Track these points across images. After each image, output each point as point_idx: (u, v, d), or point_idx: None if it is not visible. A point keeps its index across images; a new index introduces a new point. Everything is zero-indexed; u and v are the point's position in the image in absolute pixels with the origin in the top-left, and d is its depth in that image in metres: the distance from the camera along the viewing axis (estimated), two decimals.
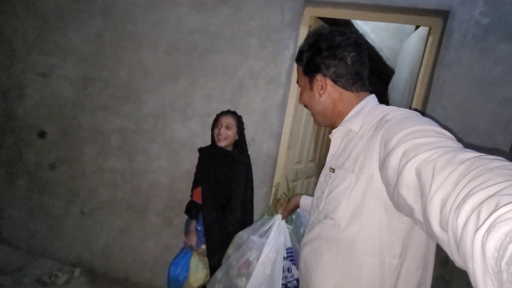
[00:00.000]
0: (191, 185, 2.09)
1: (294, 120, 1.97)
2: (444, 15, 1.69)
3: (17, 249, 2.49)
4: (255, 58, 1.93)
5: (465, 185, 0.42)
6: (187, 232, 1.77)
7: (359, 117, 0.82)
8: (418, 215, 0.53)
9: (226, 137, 1.71)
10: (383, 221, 0.72)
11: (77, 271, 2.35)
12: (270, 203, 1.51)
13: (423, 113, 0.71)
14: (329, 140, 2.67)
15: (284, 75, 1.90)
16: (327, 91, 0.86)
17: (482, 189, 0.39)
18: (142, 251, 2.30)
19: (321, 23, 1.98)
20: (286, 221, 1.26)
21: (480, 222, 0.36)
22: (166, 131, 2.14)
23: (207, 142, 2.05)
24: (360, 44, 0.85)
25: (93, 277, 2.33)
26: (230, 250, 1.37)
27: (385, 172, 0.64)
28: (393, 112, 0.74)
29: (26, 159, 2.42)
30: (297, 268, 1.18)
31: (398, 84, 4.07)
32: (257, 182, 1.98)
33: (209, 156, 1.76)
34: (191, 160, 2.10)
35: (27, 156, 2.41)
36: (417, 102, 1.81)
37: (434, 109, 1.73)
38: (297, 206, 1.24)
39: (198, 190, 1.74)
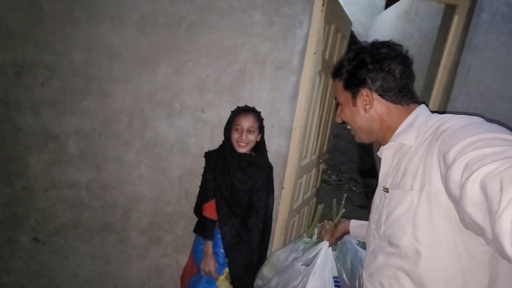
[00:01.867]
0: (183, 195, 1.74)
1: (305, 112, 1.69)
2: None
3: None
4: (260, 37, 1.55)
5: None
6: (197, 255, 1.45)
7: (412, 130, 0.75)
8: (490, 234, 0.48)
9: (248, 142, 1.41)
10: (459, 244, 0.63)
11: None
12: (312, 224, 1.34)
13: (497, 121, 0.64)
14: (325, 130, 2.39)
15: (296, 59, 1.58)
16: (374, 106, 0.80)
17: None
18: (125, 277, 1.90)
19: None
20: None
21: None
22: (147, 131, 1.68)
23: (202, 143, 1.68)
24: (407, 56, 0.80)
25: None
26: (266, 271, 1.33)
27: (449, 189, 0.58)
28: (450, 120, 0.67)
29: None
30: None
31: None
32: None
33: (223, 162, 1.43)
34: (183, 166, 1.71)
35: None
36: (437, 90, 1.67)
37: (457, 97, 1.61)
38: (346, 233, 1.17)
39: (211, 203, 1.41)
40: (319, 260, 1.12)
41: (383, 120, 0.81)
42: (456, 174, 0.55)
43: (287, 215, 1.85)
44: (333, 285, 1.13)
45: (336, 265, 1.19)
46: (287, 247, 1.33)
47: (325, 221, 1.27)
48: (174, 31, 1.56)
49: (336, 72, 0.87)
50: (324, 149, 2.42)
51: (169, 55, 1.58)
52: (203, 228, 1.45)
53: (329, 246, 1.16)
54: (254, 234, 1.46)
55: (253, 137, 1.43)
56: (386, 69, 0.77)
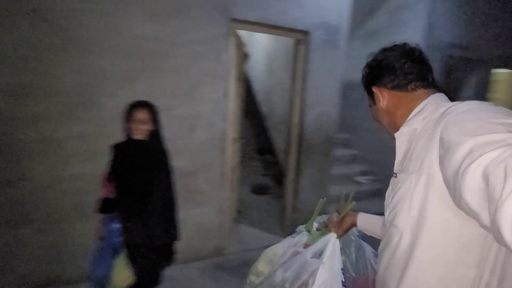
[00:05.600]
0: None
1: (235, 105, 2.81)
2: (306, 33, 2.99)
3: None
4: (204, 60, 2.54)
5: None
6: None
7: (420, 115, 0.77)
8: (485, 221, 0.48)
9: (141, 131, 1.66)
10: (450, 224, 0.64)
11: None
12: (311, 218, 1.37)
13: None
14: (241, 117, 3.63)
15: (225, 72, 2.65)
16: (385, 98, 0.87)
17: None
18: None
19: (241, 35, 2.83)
20: None
21: None
22: None
23: (171, 132, 2.53)
24: (409, 50, 0.85)
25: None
26: (261, 267, 1.32)
27: (445, 172, 0.59)
28: (457, 105, 0.68)
29: None
30: None
31: (255, 65, 5.54)
32: (215, 152, 2.73)
33: (123, 149, 1.71)
34: None
35: None
36: (297, 83, 3.11)
37: (308, 86, 3.07)
38: (353, 225, 1.18)
39: (106, 185, 1.71)
40: (328, 252, 1.10)
41: (397, 109, 0.84)
42: (456, 160, 0.54)
43: (229, 168, 2.93)
44: (342, 277, 1.11)
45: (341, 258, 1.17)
46: (282, 242, 1.33)
47: (333, 213, 1.26)
48: (148, 59, 2.35)
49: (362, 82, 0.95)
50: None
51: (145, 75, 2.36)
52: (101, 206, 1.70)
53: (336, 238, 1.14)
54: (155, 205, 1.67)
55: (144, 127, 1.65)
56: (390, 66, 0.84)
